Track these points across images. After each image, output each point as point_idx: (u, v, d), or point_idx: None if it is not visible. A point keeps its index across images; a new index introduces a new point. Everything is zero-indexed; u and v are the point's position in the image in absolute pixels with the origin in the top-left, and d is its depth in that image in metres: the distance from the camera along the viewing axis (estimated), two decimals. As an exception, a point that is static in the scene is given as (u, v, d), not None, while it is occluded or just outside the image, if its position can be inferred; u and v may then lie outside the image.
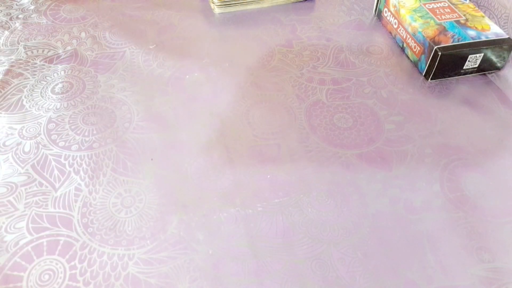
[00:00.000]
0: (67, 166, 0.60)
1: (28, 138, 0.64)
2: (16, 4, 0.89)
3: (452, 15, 0.76)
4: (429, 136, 0.65)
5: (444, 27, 0.73)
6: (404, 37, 0.78)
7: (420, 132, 0.65)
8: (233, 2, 0.87)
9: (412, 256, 0.51)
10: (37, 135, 0.64)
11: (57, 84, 0.72)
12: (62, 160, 0.61)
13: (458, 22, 0.74)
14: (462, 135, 0.65)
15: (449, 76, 0.73)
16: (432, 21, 0.75)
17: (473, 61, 0.71)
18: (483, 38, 0.71)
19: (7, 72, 0.74)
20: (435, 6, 0.78)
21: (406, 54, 0.79)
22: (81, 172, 0.60)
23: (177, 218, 0.55)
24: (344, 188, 0.58)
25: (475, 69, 0.73)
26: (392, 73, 0.75)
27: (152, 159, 0.61)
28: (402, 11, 0.78)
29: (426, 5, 0.78)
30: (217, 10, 0.88)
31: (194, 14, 0.88)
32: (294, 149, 0.62)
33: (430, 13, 0.76)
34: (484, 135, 0.65)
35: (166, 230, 0.54)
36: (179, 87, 0.72)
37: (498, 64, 0.73)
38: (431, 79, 0.73)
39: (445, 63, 0.71)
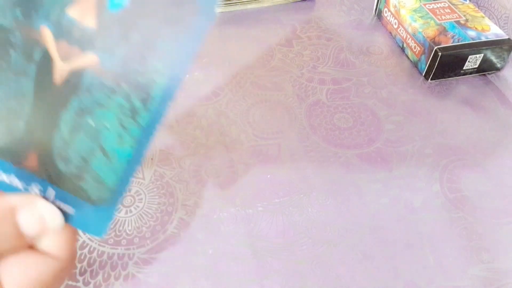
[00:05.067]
0: (66, 165, 0.60)
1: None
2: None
3: (452, 16, 0.76)
4: (429, 136, 0.65)
5: (444, 27, 0.73)
6: (404, 37, 0.78)
7: (420, 132, 0.65)
8: (233, 1, 0.87)
9: (412, 256, 0.51)
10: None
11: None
12: (61, 159, 0.61)
13: (458, 22, 0.74)
14: (462, 135, 0.65)
15: (449, 77, 0.74)
16: (432, 22, 0.75)
17: (473, 61, 0.71)
18: (483, 39, 0.71)
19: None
20: (435, 7, 0.78)
21: (406, 54, 0.79)
22: (81, 171, 0.59)
23: (177, 218, 0.55)
24: (344, 188, 0.58)
25: (475, 69, 0.73)
26: (392, 73, 0.75)
27: (152, 159, 0.61)
28: (403, 11, 0.78)
29: (426, 6, 0.78)
30: (216, 9, 0.88)
31: (194, 13, 0.87)
32: (294, 149, 0.62)
33: (430, 14, 0.76)
34: (484, 135, 0.65)
35: (166, 229, 0.53)
36: (179, 86, 0.72)
37: (498, 65, 0.73)
38: (431, 79, 0.73)
39: (445, 64, 0.71)
